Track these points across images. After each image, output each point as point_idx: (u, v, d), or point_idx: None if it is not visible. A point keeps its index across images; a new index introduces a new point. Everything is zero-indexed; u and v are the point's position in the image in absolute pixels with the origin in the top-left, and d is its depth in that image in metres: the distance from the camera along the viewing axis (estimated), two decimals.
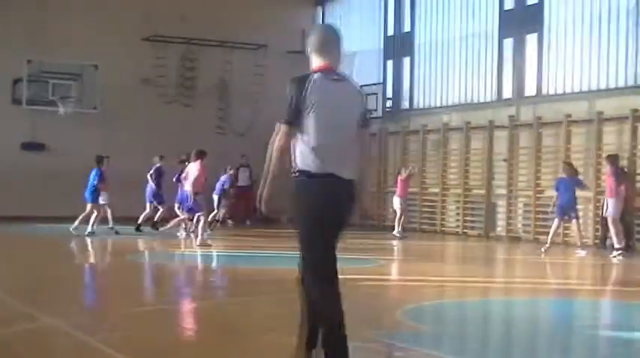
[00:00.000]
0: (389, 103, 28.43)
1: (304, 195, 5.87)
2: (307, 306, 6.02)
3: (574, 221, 18.67)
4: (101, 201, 21.45)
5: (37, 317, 8.88)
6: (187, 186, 19.44)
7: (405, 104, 28.23)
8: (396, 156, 27.85)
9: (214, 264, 16.55)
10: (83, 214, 20.92)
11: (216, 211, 23.90)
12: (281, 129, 5.96)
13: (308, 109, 5.82)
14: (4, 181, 25.63)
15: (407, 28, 28.05)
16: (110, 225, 21.70)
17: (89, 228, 20.71)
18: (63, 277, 13.15)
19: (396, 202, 23.39)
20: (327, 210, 5.85)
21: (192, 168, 19.37)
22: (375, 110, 28.09)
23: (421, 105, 27.51)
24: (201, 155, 19.36)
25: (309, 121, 5.83)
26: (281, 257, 18.18)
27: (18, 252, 18.20)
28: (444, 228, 25.72)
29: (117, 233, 21.32)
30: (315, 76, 5.91)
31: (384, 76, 28.70)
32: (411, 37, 27.71)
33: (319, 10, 32.17)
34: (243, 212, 27.74)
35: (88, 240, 19.79)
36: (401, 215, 23.20)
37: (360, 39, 30.06)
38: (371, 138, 6.16)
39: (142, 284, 12.80)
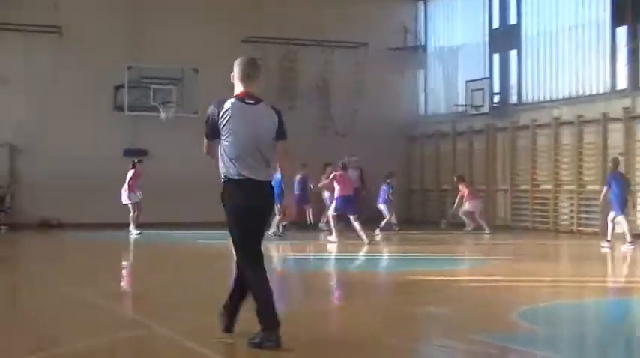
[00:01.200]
0: (496, 98, 28.10)
1: (227, 196, 7.58)
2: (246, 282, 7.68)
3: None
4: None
5: (150, 324, 9.03)
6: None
7: (513, 99, 27.84)
8: (505, 153, 27.51)
9: (327, 268, 16.59)
10: (277, 217, 21.74)
11: (388, 218, 24.43)
12: (204, 143, 7.71)
13: (225, 128, 7.49)
14: (107, 187, 26.06)
15: (513, 19, 27.66)
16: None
17: (273, 229, 21.80)
18: (176, 284, 13.35)
19: (470, 206, 25.25)
20: (243, 208, 7.50)
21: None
22: (482, 106, 27.83)
23: (530, 100, 27.09)
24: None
25: (227, 138, 7.50)
26: (392, 260, 18.14)
27: (130, 258, 18.58)
28: (557, 226, 25.28)
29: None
30: (232, 100, 7.57)
31: (490, 70, 28.38)
32: (517, 29, 27.31)
33: (421, 5, 31.96)
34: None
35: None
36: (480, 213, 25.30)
37: (464, 33, 29.84)
38: (288, 148, 7.82)
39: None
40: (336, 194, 21.28)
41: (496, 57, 28.35)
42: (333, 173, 21.71)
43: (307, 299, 11.71)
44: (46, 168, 27.10)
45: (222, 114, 7.51)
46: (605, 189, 19.65)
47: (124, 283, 13.80)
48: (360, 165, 27.96)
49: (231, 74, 7.75)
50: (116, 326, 8.84)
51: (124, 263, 17.64)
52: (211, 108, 7.61)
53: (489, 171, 28.04)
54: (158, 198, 26.13)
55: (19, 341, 8.21)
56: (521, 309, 10.03)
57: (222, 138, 7.55)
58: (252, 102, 7.62)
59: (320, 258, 18.25)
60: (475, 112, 28.16)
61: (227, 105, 7.55)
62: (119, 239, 22.81)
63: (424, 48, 31.62)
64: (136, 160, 24.70)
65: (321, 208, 26.19)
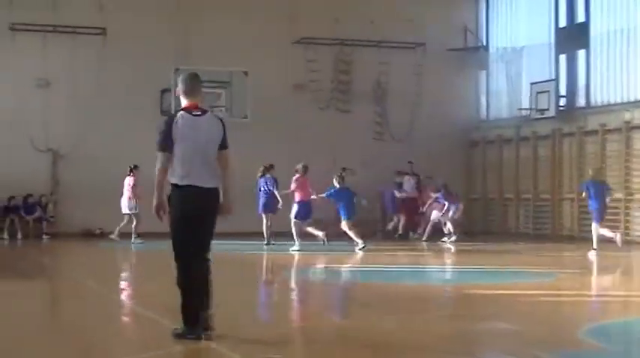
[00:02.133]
0: (563, 101, 27.90)
1: (174, 200, 8.77)
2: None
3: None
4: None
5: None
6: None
7: (581, 102, 27.64)
8: (572, 160, 27.30)
9: (370, 279, 16.62)
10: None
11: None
12: (159, 156, 8.70)
13: (176, 140, 8.61)
14: (153, 196, 26.29)
15: (581, 17, 27.48)
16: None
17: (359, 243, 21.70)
18: (222, 296, 13.49)
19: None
20: (188, 211, 8.72)
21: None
22: (547, 109, 27.65)
23: (599, 103, 26.88)
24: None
25: (178, 149, 8.62)
26: (452, 272, 18.12)
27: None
28: (627, 237, 25.00)
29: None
30: (181, 113, 8.77)
31: (556, 71, 28.20)
32: (586, 28, 27.12)
33: (482, 3, 31.84)
34: (408, 224, 27.72)
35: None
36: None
37: (529, 32, 29.70)
38: (229, 155, 9.02)
39: (293, 301, 12.98)
40: (297, 199, 21.95)
41: (563, 57, 28.17)
42: (296, 176, 22.22)
43: (365, 312, 11.72)
44: (89, 174, 27.41)
45: (174, 127, 8.65)
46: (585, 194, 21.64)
47: (169, 294, 13.96)
48: (418, 172, 28.05)
49: (177, 89, 9.02)
50: (163, 340, 8.96)
51: (169, 273, 17.80)
52: (165, 121, 8.80)
53: (555, 179, 27.85)
54: None
55: (65, 355, 8.36)
56: (589, 326, 9.99)
57: (175, 149, 8.69)
58: (199, 113, 8.83)
59: (380, 270, 18.27)
60: (540, 116, 28.00)
61: (177, 118, 8.73)
62: (164, 249, 23.03)
63: (486, 48, 31.52)
64: (132, 166, 24.93)
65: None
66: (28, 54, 27.58)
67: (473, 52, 31.37)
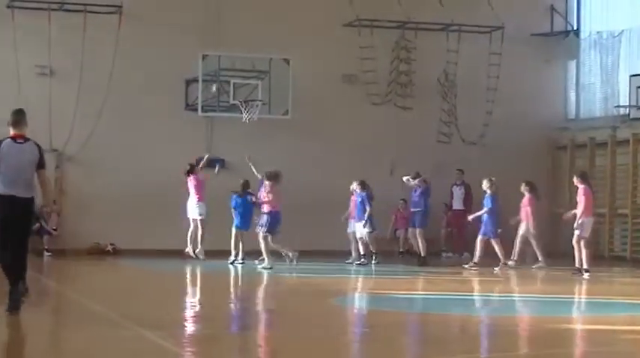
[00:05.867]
0: None
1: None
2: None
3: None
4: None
5: None
6: None
7: None
8: None
9: (434, 309, 16.51)
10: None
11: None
12: None
13: (1, 160, 13.34)
14: (175, 206, 26.20)
15: None
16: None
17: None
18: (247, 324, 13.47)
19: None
20: (7, 214, 13.35)
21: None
22: None
23: None
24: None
25: (2, 167, 13.35)
26: (538, 303, 17.98)
27: (200, 293, 18.76)
28: None
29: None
30: (7, 141, 13.49)
31: None
32: None
33: None
34: (458, 242, 27.93)
35: None
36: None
37: (629, 13, 29.41)
38: (44, 173, 13.85)
39: (344, 338, 12.91)
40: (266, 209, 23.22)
41: None
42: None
43: (438, 351, 11.63)
44: (101, 180, 27.49)
45: (1, 150, 13.35)
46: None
47: (196, 326, 13.97)
48: (467, 181, 28.14)
49: (8, 121, 13.64)
50: None
51: (193, 299, 17.83)
52: None
53: None
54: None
55: None
56: None
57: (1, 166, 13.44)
58: (21, 141, 13.55)
59: (447, 298, 18.19)
60: None
61: (3, 144, 13.43)
62: (190, 270, 23.06)
63: (576, 33, 31.30)
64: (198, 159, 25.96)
65: None
66: (29, 36, 27.66)
67: (561, 38, 31.14)
